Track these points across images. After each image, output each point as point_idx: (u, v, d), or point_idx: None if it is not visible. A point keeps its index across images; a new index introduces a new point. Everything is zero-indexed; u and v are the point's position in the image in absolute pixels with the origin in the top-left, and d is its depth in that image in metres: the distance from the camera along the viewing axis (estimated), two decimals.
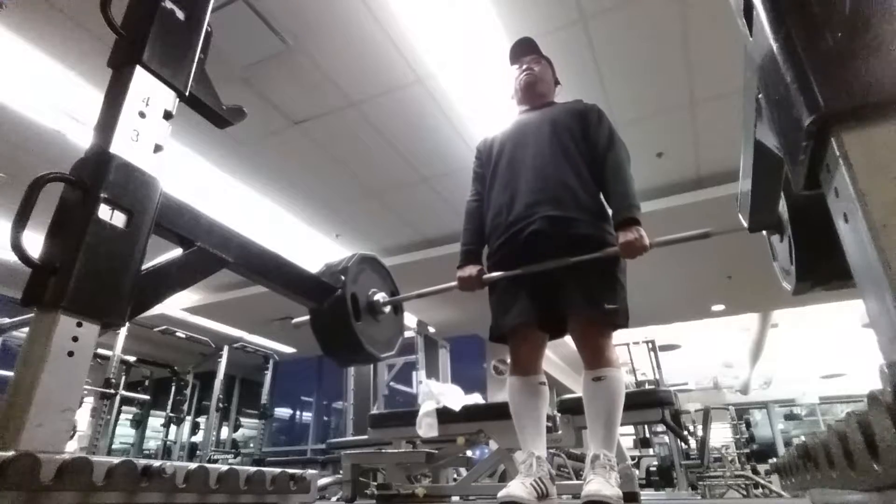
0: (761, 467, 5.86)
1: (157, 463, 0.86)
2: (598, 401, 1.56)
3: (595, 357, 1.58)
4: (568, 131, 1.76)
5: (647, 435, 6.31)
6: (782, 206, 1.26)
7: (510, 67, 2.03)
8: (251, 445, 7.37)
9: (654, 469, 6.13)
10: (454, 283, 1.77)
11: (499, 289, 1.73)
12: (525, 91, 1.94)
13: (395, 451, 2.61)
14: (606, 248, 1.57)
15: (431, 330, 5.92)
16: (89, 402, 4.91)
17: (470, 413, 2.44)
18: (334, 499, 3.09)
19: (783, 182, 1.18)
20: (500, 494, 1.43)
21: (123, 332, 4.76)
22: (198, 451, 6.72)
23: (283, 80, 3.17)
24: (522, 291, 1.64)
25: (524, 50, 1.99)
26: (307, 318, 1.72)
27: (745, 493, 5.38)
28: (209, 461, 5.76)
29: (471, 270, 1.74)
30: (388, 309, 1.87)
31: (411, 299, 1.89)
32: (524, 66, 1.96)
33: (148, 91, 1.11)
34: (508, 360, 1.76)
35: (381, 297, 1.84)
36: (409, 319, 6.37)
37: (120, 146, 1.02)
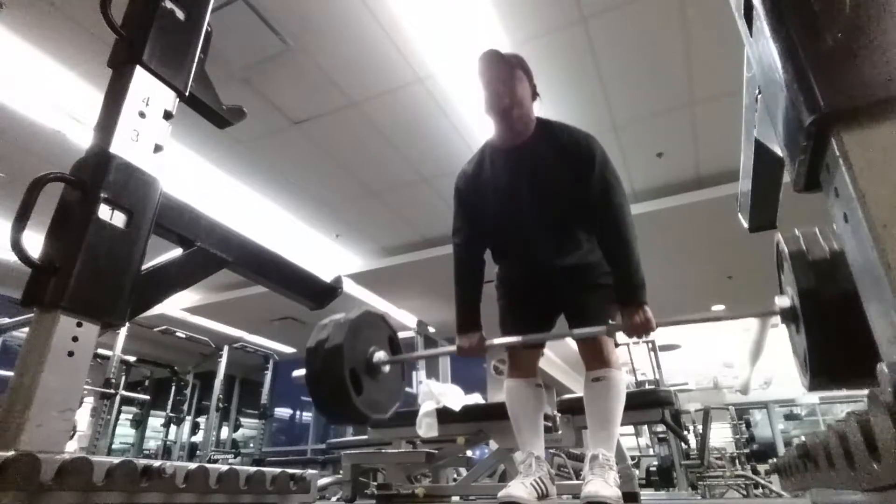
0: (761, 467, 5.86)
1: (157, 463, 0.86)
2: (597, 401, 1.57)
3: (596, 358, 1.59)
4: (562, 196, 1.55)
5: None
6: (796, 299, 1.18)
7: (479, 83, 1.60)
8: (251, 445, 7.37)
9: (654, 469, 6.13)
10: (453, 349, 1.65)
11: (505, 304, 1.77)
12: (501, 119, 1.55)
13: (395, 451, 2.61)
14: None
15: (431, 330, 5.91)
16: (89, 402, 4.90)
17: (470, 413, 2.44)
18: (334, 499, 3.08)
19: (794, 271, 1.11)
20: (500, 494, 1.43)
21: (123, 332, 4.76)
22: (198, 451, 6.72)
23: (283, 80, 3.17)
24: (527, 313, 1.70)
25: (492, 65, 1.58)
26: (303, 372, 1.67)
27: (745, 493, 5.38)
28: (209, 461, 5.76)
29: (471, 340, 1.62)
30: (387, 368, 1.78)
31: (413, 360, 1.85)
32: (496, 88, 1.54)
33: (148, 91, 1.11)
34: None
35: (380, 356, 1.74)
36: (410, 319, 6.38)
37: (120, 146, 1.02)
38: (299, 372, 1.69)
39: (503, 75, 1.55)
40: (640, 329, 1.45)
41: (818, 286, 1.06)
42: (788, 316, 1.29)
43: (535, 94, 1.62)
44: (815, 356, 1.08)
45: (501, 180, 1.59)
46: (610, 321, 1.51)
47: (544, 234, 1.62)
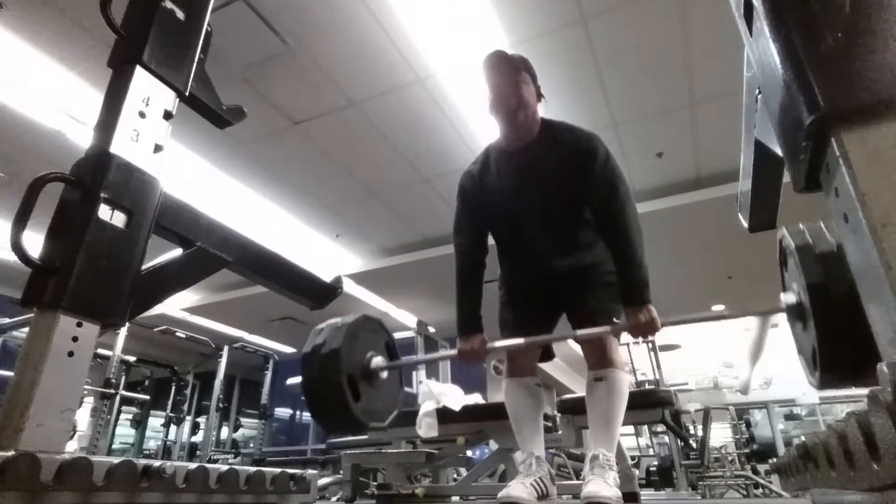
0: (761, 467, 5.86)
1: (157, 463, 0.86)
2: (598, 401, 1.57)
3: (598, 357, 1.59)
4: (566, 197, 1.58)
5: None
6: (803, 294, 1.14)
7: (483, 82, 1.60)
8: (251, 445, 7.36)
9: (654, 469, 6.13)
10: (453, 353, 1.64)
11: (506, 304, 1.77)
12: (506, 121, 1.57)
13: (395, 451, 2.61)
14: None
15: (431, 330, 5.90)
16: (89, 402, 4.90)
17: (470, 413, 2.44)
18: (334, 499, 3.08)
19: (801, 265, 1.08)
20: (500, 495, 1.43)
21: (123, 332, 4.76)
22: (198, 451, 6.72)
23: (283, 80, 3.17)
24: (528, 315, 1.70)
25: (498, 67, 1.57)
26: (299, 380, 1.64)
27: (745, 493, 5.38)
28: (209, 461, 5.76)
29: (472, 343, 1.59)
30: (385, 374, 1.74)
31: (412, 365, 1.82)
32: (501, 90, 1.55)
33: (148, 91, 1.11)
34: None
35: (378, 362, 1.70)
36: (410, 319, 6.38)
37: (120, 146, 1.02)
38: (295, 379, 1.67)
39: (509, 77, 1.55)
40: (644, 329, 1.43)
41: (827, 280, 1.03)
42: (794, 313, 1.24)
43: (539, 96, 1.63)
44: (825, 352, 1.04)
45: (507, 181, 1.62)
46: (614, 319, 1.51)
47: (546, 233, 1.64)
